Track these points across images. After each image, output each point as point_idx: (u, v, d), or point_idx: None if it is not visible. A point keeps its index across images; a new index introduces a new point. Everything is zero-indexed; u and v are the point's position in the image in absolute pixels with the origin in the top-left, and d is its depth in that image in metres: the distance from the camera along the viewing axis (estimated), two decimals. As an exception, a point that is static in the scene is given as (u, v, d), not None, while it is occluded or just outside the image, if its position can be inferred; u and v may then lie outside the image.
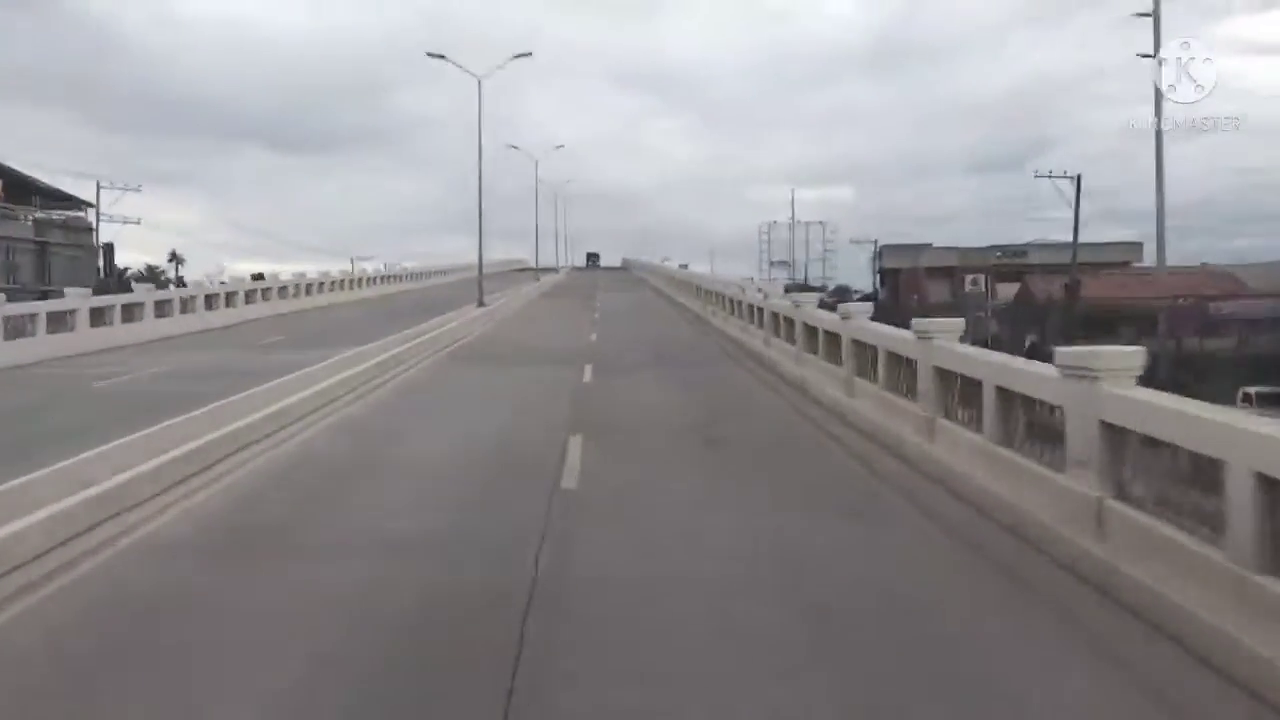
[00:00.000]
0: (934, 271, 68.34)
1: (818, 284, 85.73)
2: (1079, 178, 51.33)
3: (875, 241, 78.56)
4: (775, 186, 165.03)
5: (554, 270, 77.20)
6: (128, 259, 76.92)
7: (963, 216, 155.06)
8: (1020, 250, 69.45)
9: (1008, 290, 61.30)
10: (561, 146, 70.14)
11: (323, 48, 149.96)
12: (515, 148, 60.16)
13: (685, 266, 61.57)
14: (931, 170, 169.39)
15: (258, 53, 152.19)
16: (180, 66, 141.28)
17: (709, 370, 19.86)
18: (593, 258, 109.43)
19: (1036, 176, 53.92)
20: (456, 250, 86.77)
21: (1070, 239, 52.71)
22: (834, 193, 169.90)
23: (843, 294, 60.59)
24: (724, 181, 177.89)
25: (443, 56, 35.63)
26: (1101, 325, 37.95)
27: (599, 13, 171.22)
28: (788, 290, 29.13)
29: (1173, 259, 51.45)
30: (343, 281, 46.55)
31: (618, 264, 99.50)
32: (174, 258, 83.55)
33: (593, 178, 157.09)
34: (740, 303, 25.48)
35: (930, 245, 72.89)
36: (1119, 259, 63.93)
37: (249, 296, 36.23)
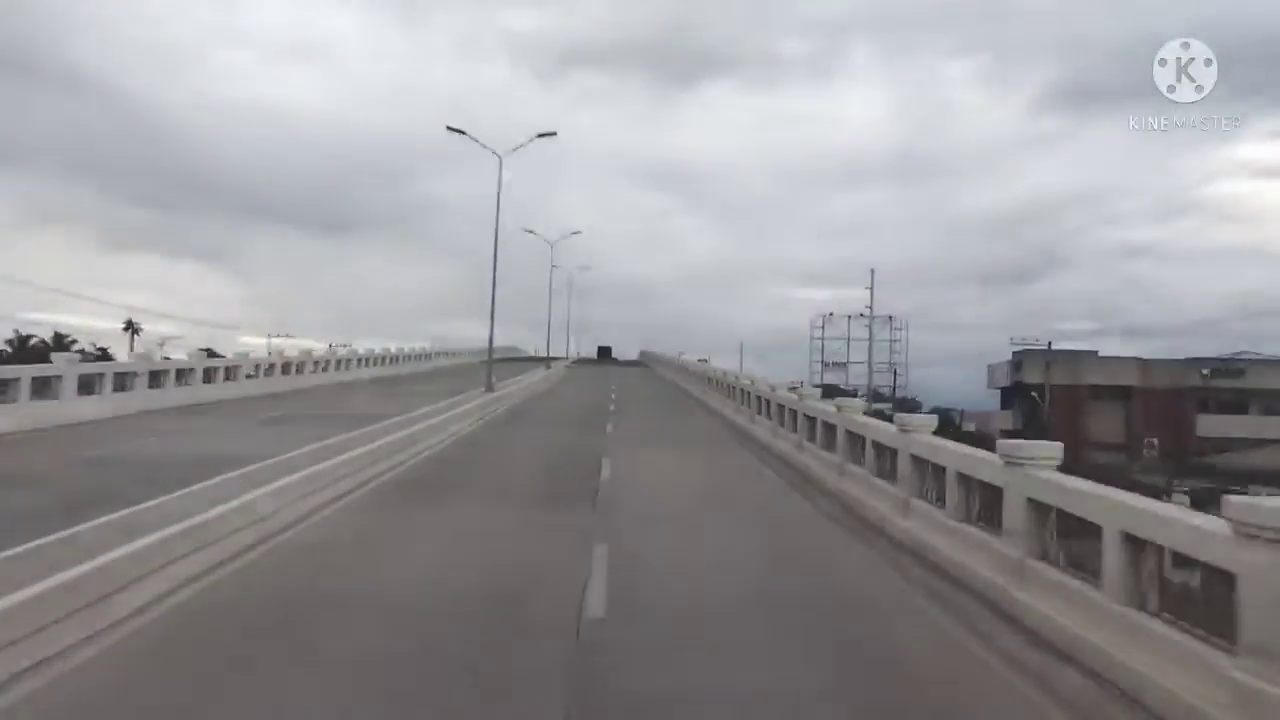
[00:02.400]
0: (1101, 392, 50.23)
1: (885, 392, 73.61)
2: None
3: (1012, 341, 57.74)
4: (794, 286, 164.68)
5: (557, 360, 66.75)
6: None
7: (981, 325, 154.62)
8: (1236, 367, 50.46)
9: (1216, 424, 45.66)
10: (578, 232, 68.06)
11: (350, 136, 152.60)
12: (531, 231, 58.66)
13: (705, 361, 53.83)
14: (946, 278, 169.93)
15: (288, 137, 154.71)
16: (215, 148, 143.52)
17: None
18: (604, 351, 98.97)
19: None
20: (467, 336, 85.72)
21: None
22: (849, 294, 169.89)
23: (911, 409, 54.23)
24: (739, 279, 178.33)
25: (462, 131, 35.04)
26: None
27: (620, 112, 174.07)
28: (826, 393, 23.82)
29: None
30: (323, 362, 40.38)
31: (634, 357, 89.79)
32: (129, 326, 75.21)
33: (610, 271, 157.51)
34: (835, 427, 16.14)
35: (1095, 354, 54.59)
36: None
37: (208, 375, 29.36)
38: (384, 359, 48.86)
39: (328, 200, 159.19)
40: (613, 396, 39.09)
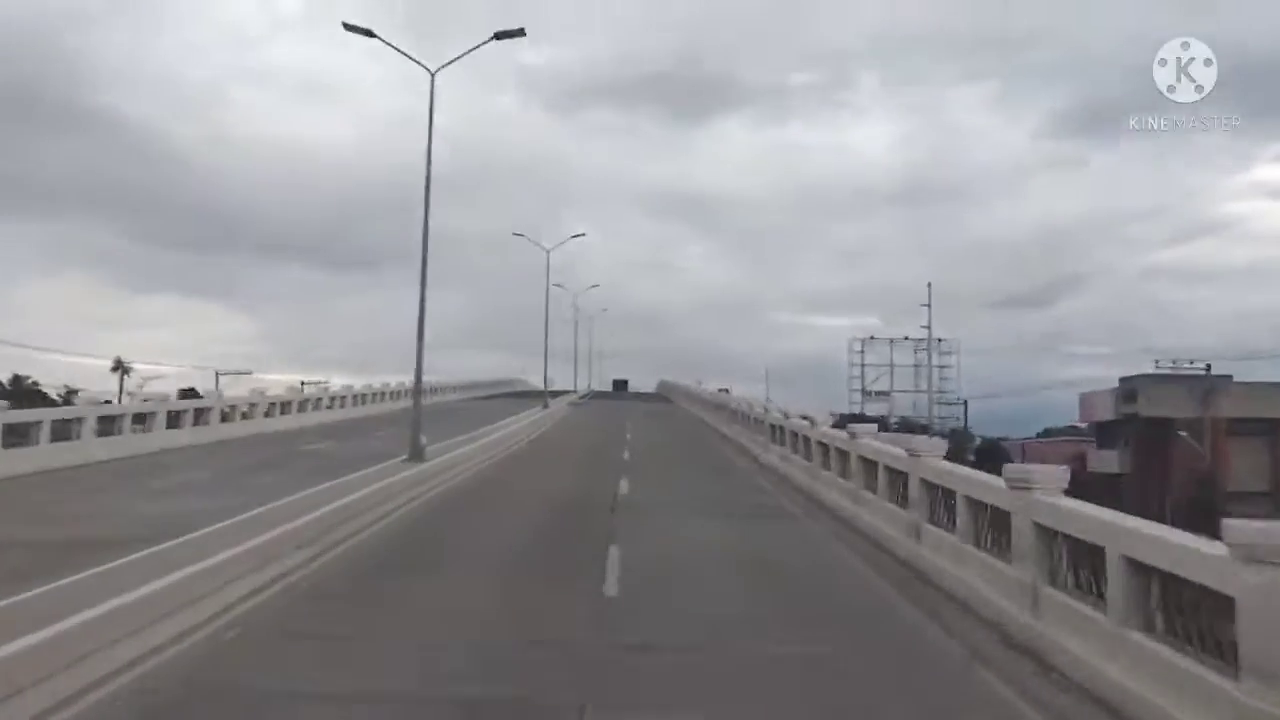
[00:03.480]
0: (1242, 426, 40.24)
1: (922, 422, 64.24)
2: None
3: (1157, 364, 48.93)
4: (808, 313, 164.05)
5: (561, 395, 58.77)
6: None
7: (992, 351, 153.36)
8: None
9: None
10: (582, 235, 63.11)
11: (362, 170, 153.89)
12: (520, 235, 52.97)
13: (726, 390, 50.19)
14: (958, 304, 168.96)
15: (302, 173, 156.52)
16: (230, 186, 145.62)
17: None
18: (620, 385, 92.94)
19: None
20: (481, 367, 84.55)
21: None
22: (861, 321, 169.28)
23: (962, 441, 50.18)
24: (753, 307, 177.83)
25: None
26: None
27: (631, 145, 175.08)
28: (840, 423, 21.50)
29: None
30: (279, 404, 34.48)
31: (651, 389, 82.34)
32: (118, 366, 68.79)
33: (625, 302, 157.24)
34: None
35: (1230, 379, 44.74)
36: None
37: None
38: (352, 398, 41.43)
39: (343, 235, 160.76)
40: (626, 458, 26.26)
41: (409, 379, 50.25)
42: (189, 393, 40.78)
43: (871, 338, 76.14)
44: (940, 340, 72.33)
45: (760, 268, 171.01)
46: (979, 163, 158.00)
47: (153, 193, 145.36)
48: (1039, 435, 66.57)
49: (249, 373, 61.72)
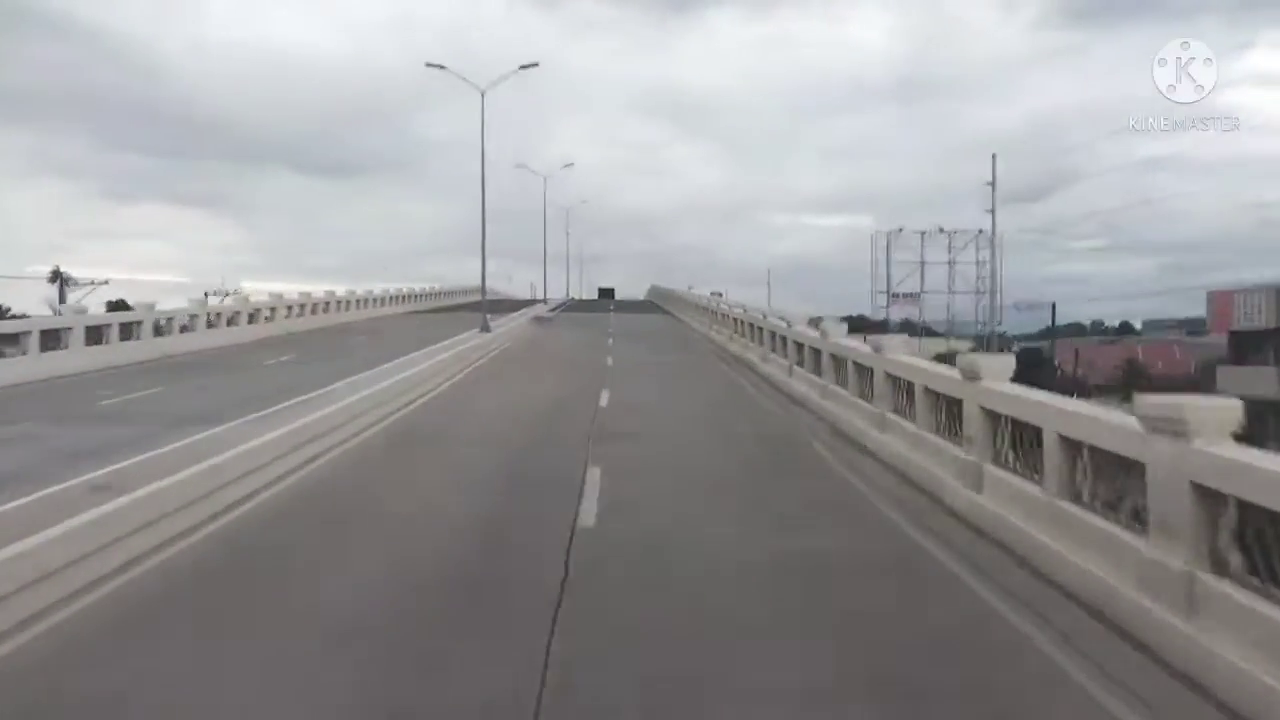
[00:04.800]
0: None
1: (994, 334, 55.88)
2: None
3: None
4: (797, 213, 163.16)
5: (527, 307, 51.37)
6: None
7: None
8: None
9: None
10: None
11: (348, 75, 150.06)
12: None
13: (719, 294, 47.12)
14: (952, 201, 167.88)
15: (285, 79, 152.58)
16: (210, 92, 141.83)
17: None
18: (606, 293, 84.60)
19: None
20: (471, 273, 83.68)
21: None
22: (854, 220, 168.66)
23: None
24: (744, 208, 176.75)
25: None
26: None
27: (618, 42, 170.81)
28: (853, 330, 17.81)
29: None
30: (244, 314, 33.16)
31: (641, 296, 73.86)
32: (56, 277, 58.32)
33: (614, 205, 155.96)
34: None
35: None
36: None
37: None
38: (326, 305, 40.49)
39: (329, 142, 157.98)
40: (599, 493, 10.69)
41: (394, 286, 47.95)
42: (119, 305, 38.65)
43: (900, 229, 64.04)
44: (980, 232, 60.78)
45: (749, 168, 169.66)
46: (975, 55, 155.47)
47: (134, 100, 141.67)
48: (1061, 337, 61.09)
49: (235, 291, 53.94)
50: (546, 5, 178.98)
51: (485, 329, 32.07)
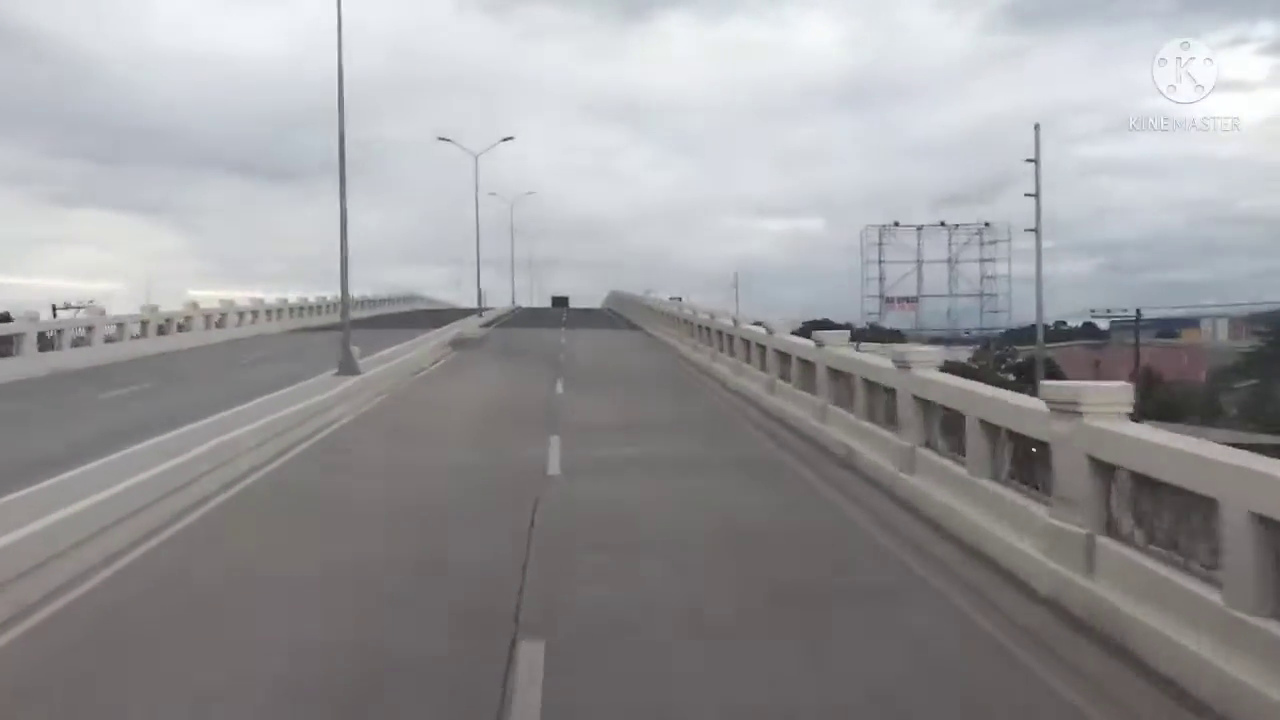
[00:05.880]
0: None
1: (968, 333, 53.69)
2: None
3: None
4: (747, 217, 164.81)
5: (456, 322, 39.98)
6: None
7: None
8: None
9: None
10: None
11: (294, 80, 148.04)
12: (446, 139, 47.02)
13: (678, 299, 40.32)
14: (900, 203, 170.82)
15: (231, 83, 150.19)
16: (155, 96, 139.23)
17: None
18: (560, 302, 78.20)
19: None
20: (423, 282, 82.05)
21: None
22: (804, 224, 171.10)
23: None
24: (696, 213, 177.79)
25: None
26: None
27: (570, 46, 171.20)
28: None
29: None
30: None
31: (597, 305, 67.65)
32: None
33: (566, 211, 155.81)
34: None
35: None
36: None
37: None
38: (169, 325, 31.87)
39: (277, 147, 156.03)
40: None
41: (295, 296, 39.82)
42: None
43: (896, 223, 57.46)
44: (986, 225, 54.39)
45: (702, 173, 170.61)
46: (923, 60, 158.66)
47: (76, 107, 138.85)
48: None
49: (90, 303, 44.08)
50: (497, 10, 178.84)
51: (348, 370, 19.75)
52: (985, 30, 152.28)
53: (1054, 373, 38.65)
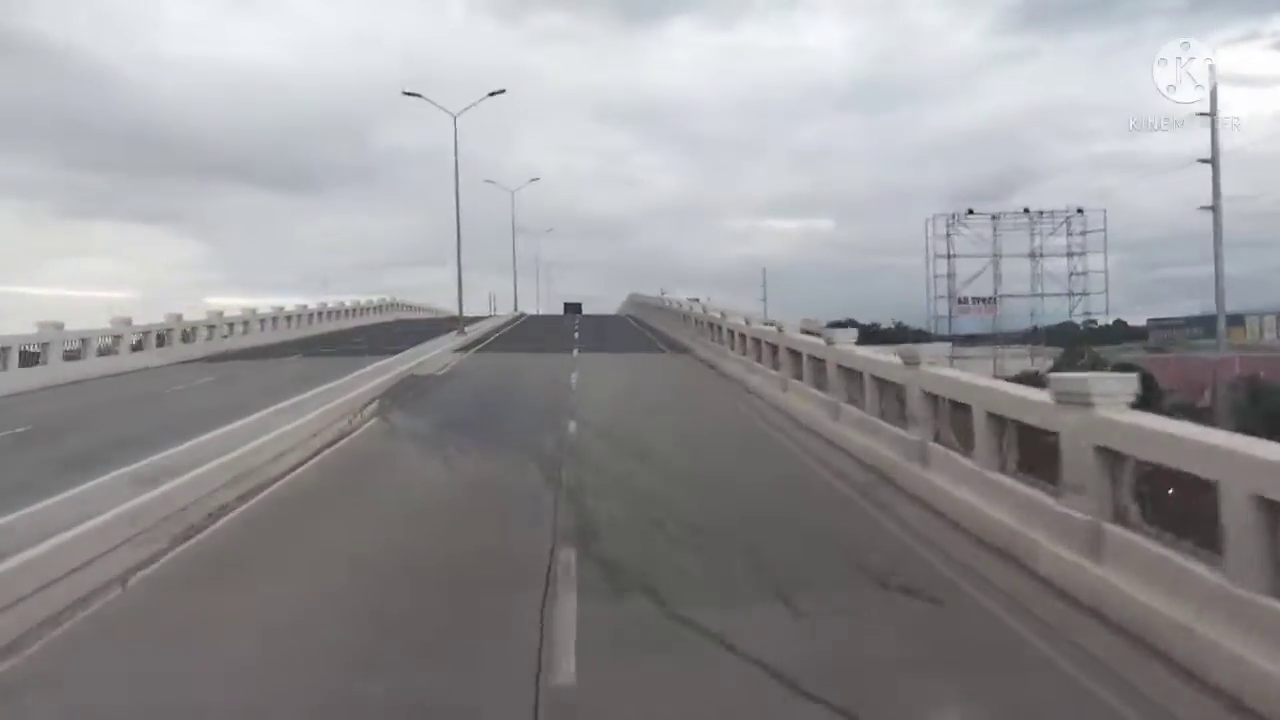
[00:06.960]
0: None
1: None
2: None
3: None
4: (758, 218, 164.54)
5: (443, 335, 34.16)
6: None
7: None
8: None
9: None
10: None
11: (307, 89, 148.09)
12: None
13: (696, 300, 35.64)
14: (911, 203, 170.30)
15: (244, 92, 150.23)
16: (167, 106, 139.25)
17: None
18: (573, 308, 72.59)
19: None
20: (431, 284, 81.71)
21: None
22: (814, 224, 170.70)
23: None
24: (707, 214, 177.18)
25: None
26: None
27: (581, 50, 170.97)
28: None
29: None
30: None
31: (612, 310, 62.37)
32: None
33: (580, 213, 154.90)
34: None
35: None
36: None
37: None
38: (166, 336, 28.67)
39: (291, 156, 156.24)
40: None
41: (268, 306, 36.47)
42: None
43: (971, 211, 48.67)
44: (1079, 211, 47.07)
45: (713, 175, 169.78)
46: (932, 61, 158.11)
47: (88, 117, 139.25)
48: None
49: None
50: (508, 17, 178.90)
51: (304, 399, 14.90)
52: (992, 31, 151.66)
53: (1151, 389, 28.68)
